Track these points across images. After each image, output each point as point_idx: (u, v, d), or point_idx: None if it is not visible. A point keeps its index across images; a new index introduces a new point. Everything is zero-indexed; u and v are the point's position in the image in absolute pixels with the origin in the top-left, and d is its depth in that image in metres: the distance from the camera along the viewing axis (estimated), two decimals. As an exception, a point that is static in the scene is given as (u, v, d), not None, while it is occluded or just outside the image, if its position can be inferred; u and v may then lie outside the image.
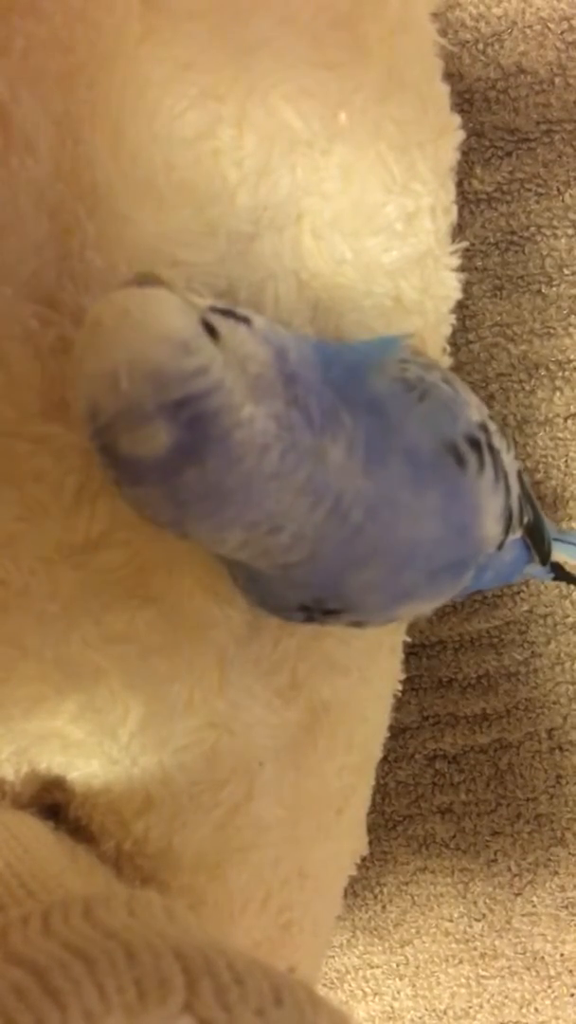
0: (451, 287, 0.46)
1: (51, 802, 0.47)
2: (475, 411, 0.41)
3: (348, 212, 0.40)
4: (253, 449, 0.30)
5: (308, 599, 0.38)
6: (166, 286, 0.30)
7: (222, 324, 0.31)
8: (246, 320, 0.32)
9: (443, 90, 0.44)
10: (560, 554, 0.51)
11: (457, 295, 0.47)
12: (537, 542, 0.46)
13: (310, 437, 0.32)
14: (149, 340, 0.28)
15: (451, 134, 0.43)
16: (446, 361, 0.50)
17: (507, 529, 0.42)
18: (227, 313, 0.32)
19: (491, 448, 0.40)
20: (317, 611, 0.39)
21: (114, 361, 0.28)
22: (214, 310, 0.32)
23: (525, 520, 0.44)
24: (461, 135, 0.44)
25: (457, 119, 0.44)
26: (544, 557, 0.47)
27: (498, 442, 0.42)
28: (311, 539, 0.34)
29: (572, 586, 0.60)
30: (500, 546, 0.42)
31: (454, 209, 0.45)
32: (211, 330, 0.30)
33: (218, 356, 0.29)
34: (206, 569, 0.42)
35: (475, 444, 0.39)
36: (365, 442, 0.34)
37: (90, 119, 0.36)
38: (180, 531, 0.32)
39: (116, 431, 0.29)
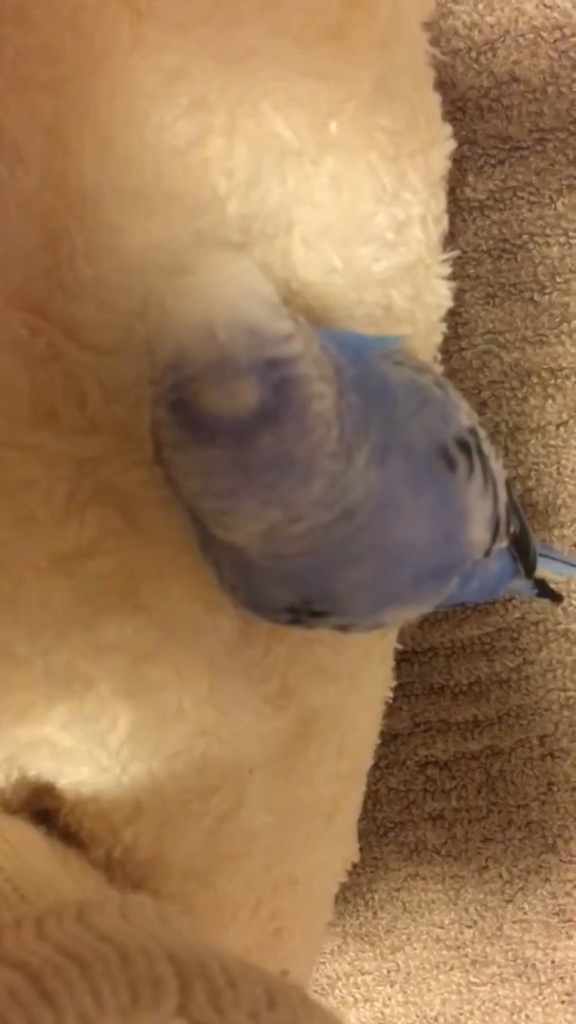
0: (442, 296, 0.46)
1: (42, 808, 0.47)
2: (465, 416, 0.41)
3: (339, 222, 0.40)
4: (322, 423, 0.31)
5: (296, 598, 0.38)
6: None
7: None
8: (296, 318, 0.33)
9: (434, 99, 0.44)
10: (544, 570, 0.51)
11: (448, 304, 0.47)
12: (523, 553, 0.46)
13: (350, 431, 0.33)
14: (249, 296, 0.29)
15: (442, 144, 0.43)
16: (437, 369, 0.50)
17: (494, 537, 0.42)
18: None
19: (480, 453, 0.40)
20: (304, 612, 0.39)
21: (213, 311, 0.28)
22: None
23: (512, 530, 0.44)
24: (452, 145, 0.44)
25: (448, 129, 0.44)
26: (529, 569, 0.47)
27: (487, 449, 0.42)
28: (316, 534, 0.34)
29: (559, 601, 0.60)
30: (487, 553, 0.42)
31: (445, 218, 0.45)
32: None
33: (298, 329, 0.30)
34: (196, 577, 0.42)
35: (465, 447, 0.39)
36: (380, 440, 0.35)
37: (79, 128, 0.36)
38: (224, 504, 0.32)
39: (203, 383, 0.29)
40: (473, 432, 0.40)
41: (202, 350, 0.28)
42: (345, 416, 0.32)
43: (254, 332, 0.28)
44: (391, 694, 0.59)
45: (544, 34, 0.54)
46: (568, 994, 0.69)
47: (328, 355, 0.33)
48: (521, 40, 0.54)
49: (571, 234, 0.56)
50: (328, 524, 0.34)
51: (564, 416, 0.59)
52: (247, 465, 0.30)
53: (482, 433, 0.42)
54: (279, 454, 0.30)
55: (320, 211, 0.40)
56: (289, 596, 0.38)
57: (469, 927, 0.68)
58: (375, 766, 0.60)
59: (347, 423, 0.32)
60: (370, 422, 0.34)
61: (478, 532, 0.40)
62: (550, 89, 0.54)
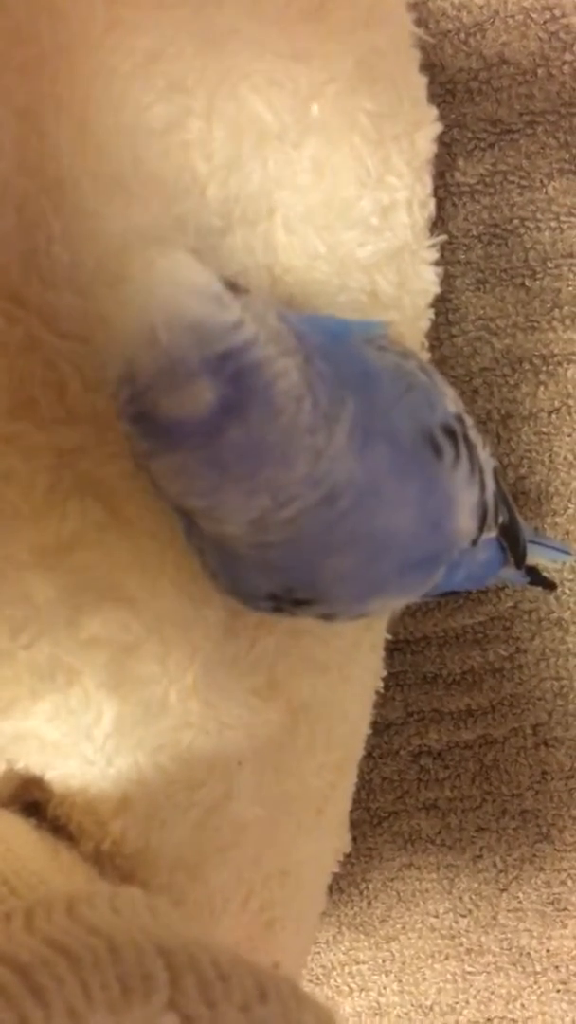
0: (429, 281, 0.45)
1: (31, 800, 0.46)
2: (451, 403, 0.40)
3: (321, 206, 0.40)
4: (291, 399, 0.30)
5: (279, 587, 0.38)
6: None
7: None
8: (246, 291, 0.32)
9: (419, 82, 0.43)
10: (536, 557, 0.51)
11: (435, 289, 0.46)
12: (512, 544, 0.45)
13: (326, 400, 0.32)
14: (185, 293, 0.28)
15: (427, 127, 0.43)
16: (426, 356, 0.50)
17: (482, 526, 0.41)
18: (229, 284, 0.31)
19: (467, 440, 0.40)
20: (286, 600, 0.38)
21: (151, 316, 0.27)
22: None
23: (500, 520, 0.44)
24: (438, 128, 0.44)
25: (434, 111, 0.43)
26: (519, 559, 0.47)
27: (474, 436, 0.41)
28: (301, 519, 0.33)
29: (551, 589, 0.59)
30: (474, 542, 0.41)
31: (431, 202, 0.45)
32: (233, 287, 0.30)
33: (247, 311, 0.29)
34: (180, 570, 0.42)
35: (451, 434, 0.39)
36: (359, 420, 0.34)
37: (55, 112, 0.35)
38: (209, 502, 0.31)
39: (157, 392, 0.28)
40: (459, 419, 0.40)
41: (149, 358, 0.28)
42: (317, 384, 0.32)
43: (198, 328, 0.28)
44: (383, 684, 0.59)
45: (534, 15, 0.53)
46: (563, 983, 0.69)
47: (287, 325, 0.32)
48: (510, 21, 0.53)
49: (562, 218, 0.56)
50: (312, 508, 0.33)
51: (556, 403, 0.59)
52: (222, 461, 0.29)
53: (468, 420, 0.41)
54: (253, 443, 0.29)
55: (302, 195, 0.39)
56: (271, 585, 0.38)
57: (464, 916, 0.68)
58: (368, 756, 0.59)
59: (320, 391, 0.32)
60: (344, 393, 0.33)
61: (464, 521, 0.40)
62: (540, 71, 0.53)
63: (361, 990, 0.71)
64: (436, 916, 0.68)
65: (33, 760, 0.44)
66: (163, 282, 0.28)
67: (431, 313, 0.47)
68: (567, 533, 0.60)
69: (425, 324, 0.47)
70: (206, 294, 0.28)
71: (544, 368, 0.58)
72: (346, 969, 0.70)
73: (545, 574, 0.53)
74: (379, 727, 0.62)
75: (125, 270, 0.28)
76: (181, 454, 0.29)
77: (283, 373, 0.30)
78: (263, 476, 0.31)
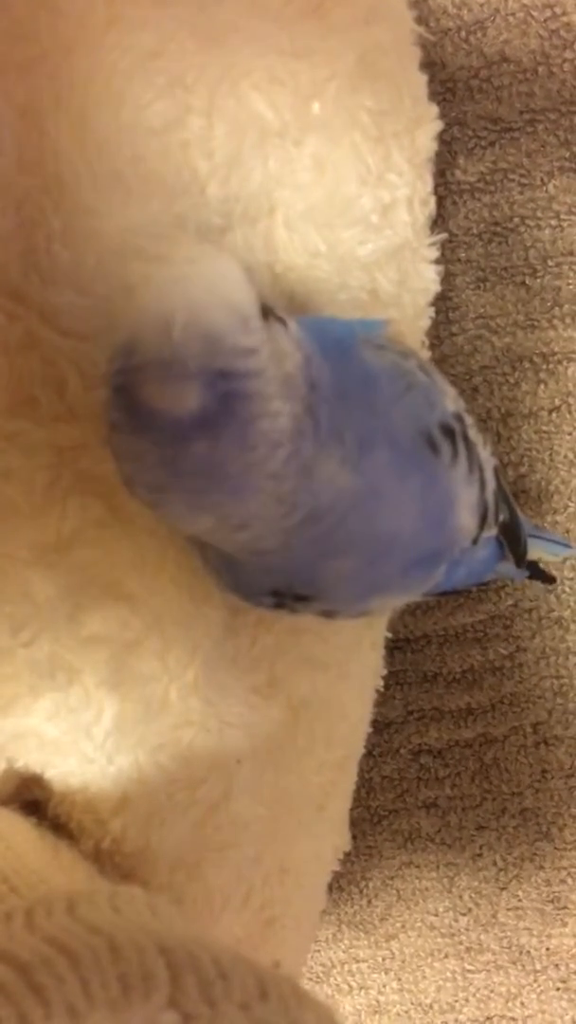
0: (429, 279, 0.45)
1: (32, 799, 0.46)
2: (451, 402, 0.40)
3: (322, 204, 0.40)
4: (267, 443, 0.30)
5: (280, 584, 0.38)
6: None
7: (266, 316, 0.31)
8: (283, 321, 0.32)
9: (420, 79, 0.43)
10: (536, 551, 0.51)
11: (436, 287, 0.46)
12: (512, 542, 0.45)
13: (310, 450, 0.32)
14: (215, 301, 0.28)
15: (428, 124, 0.43)
16: (426, 354, 0.50)
17: (482, 524, 0.41)
18: (267, 310, 0.32)
19: (466, 439, 0.40)
20: (288, 596, 0.39)
21: (175, 307, 0.27)
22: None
23: (501, 518, 0.44)
24: (438, 125, 0.44)
25: (434, 109, 0.43)
26: (519, 558, 0.47)
27: (474, 435, 0.41)
28: (283, 534, 0.34)
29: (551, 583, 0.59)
30: (475, 541, 0.41)
31: (432, 200, 0.45)
32: (264, 315, 0.30)
33: (266, 343, 0.29)
34: (181, 567, 0.42)
35: (449, 433, 0.39)
36: (357, 432, 0.34)
37: (54, 110, 0.35)
38: (152, 497, 0.31)
39: (146, 376, 0.28)
40: (459, 418, 0.40)
41: (153, 344, 0.28)
42: (310, 434, 0.32)
43: (210, 339, 0.28)
44: (383, 682, 0.59)
45: (534, 13, 0.53)
46: (563, 981, 0.69)
47: (309, 369, 0.32)
48: (511, 19, 0.53)
49: (563, 217, 0.56)
50: (294, 527, 0.33)
51: (556, 402, 0.59)
52: (176, 467, 0.29)
53: (468, 419, 0.41)
54: (211, 464, 0.29)
55: (303, 193, 0.39)
56: (274, 582, 0.38)
57: (463, 915, 0.68)
58: (368, 754, 0.59)
59: (309, 442, 0.32)
60: (345, 427, 0.33)
61: (465, 518, 0.40)
62: (540, 69, 0.53)
63: (361, 988, 0.71)
64: (436, 914, 0.68)
65: (33, 758, 0.44)
66: (201, 281, 0.28)
67: (431, 311, 0.47)
68: (567, 531, 0.60)
69: (425, 322, 0.47)
70: (236, 311, 0.28)
71: (544, 366, 0.58)
72: (346, 967, 0.71)
73: (544, 568, 0.53)
74: (379, 725, 0.62)
75: (171, 252, 0.28)
76: (142, 441, 0.29)
77: (271, 415, 0.30)
78: (210, 499, 0.31)
